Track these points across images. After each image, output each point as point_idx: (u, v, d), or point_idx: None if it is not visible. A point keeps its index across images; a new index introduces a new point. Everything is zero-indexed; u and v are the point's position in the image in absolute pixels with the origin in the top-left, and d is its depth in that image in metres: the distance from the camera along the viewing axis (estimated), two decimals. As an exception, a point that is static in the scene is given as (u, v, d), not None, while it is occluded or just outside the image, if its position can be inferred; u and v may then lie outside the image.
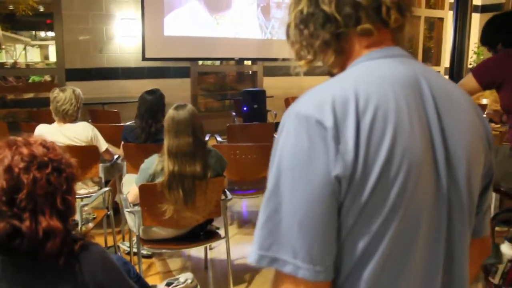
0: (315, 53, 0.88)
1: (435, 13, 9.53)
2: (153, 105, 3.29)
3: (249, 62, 7.77)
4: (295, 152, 0.73)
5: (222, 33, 6.97)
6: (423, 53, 9.48)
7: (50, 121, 3.53)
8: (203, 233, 2.71)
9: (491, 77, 2.21)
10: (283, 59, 1.08)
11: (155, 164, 2.42)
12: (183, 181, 2.37)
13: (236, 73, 8.60)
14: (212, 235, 2.73)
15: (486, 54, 8.06)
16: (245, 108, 6.06)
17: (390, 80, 0.79)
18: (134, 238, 2.90)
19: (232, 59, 7.35)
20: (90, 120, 4.73)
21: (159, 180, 2.40)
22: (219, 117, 7.08)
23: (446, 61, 9.01)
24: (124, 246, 3.31)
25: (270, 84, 7.53)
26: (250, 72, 8.06)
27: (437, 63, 9.73)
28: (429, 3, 9.51)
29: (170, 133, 2.39)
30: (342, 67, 0.88)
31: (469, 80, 2.27)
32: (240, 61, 7.41)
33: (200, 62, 7.58)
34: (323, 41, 0.84)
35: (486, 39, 2.40)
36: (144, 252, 3.02)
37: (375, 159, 0.73)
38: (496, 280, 2.32)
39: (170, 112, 2.44)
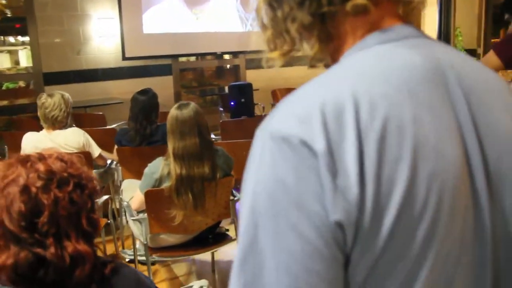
0: (292, 41, 0.64)
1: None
2: (146, 106, 3.14)
3: (230, 56, 7.63)
4: (275, 190, 0.51)
5: (202, 27, 6.81)
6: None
7: (32, 128, 3.35)
8: (212, 237, 2.59)
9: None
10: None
11: (161, 168, 2.29)
12: (192, 185, 2.25)
13: (217, 67, 8.45)
14: (222, 238, 2.62)
15: (466, 36, 8.09)
16: (232, 103, 5.93)
17: (402, 75, 0.56)
18: (138, 245, 2.77)
19: (214, 53, 7.19)
20: (74, 125, 4.55)
21: (166, 184, 2.27)
22: (204, 114, 6.93)
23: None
24: (125, 255, 3.17)
25: (253, 77, 7.41)
26: (231, 66, 7.92)
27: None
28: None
29: (174, 134, 2.26)
30: (334, 59, 0.65)
31: (490, 57, 2.20)
32: (219, 55, 7.25)
33: (183, 59, 7.41)
34: (302, 24, 0.61)
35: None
36: (145, 258, 2.88)
37: (390, 194, 0.50)
38: None
39: (173, 112, 2.31)
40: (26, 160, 1.09)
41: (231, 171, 2.49)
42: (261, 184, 0.52)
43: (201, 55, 7.40)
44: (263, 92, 6.93)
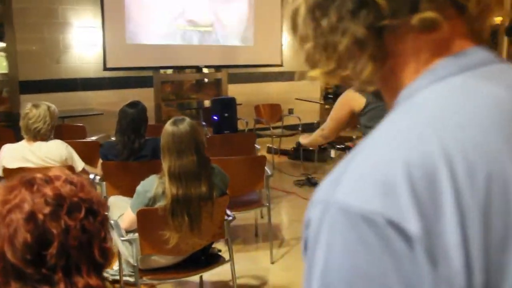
0: (339, 59, 0.51)
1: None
2: (135, 119, 3.02)
3: (212, 69, 7.55)
4: (355, 283, 0.40)
5: (185, 40, 6.72)
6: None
7: (7, 138, 3.18)
8: (205, 257, 2.48)
9: None
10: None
11: (155, 186, 2.17)
12: (188, 206, 2.14)
13: (196, 81, 8.34)
14: (215, 259, 2.50)
15: None
16: (215, 117, 5.83)
17: (494, 117, 0.44)
18: (124, 265, 2.63)
19: (197, 67, 7.09)
20: (52, 137, 4.36)
21: (160, 204, 2.15)
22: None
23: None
24: (108, 274, 3.02)
25: (235, 92, 7.35)
26: (212, 79, 7.83)
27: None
28: None
29: (171, 152, 2.15)
30: (386, 84, 0.53)
31: None
32: (200, 68, 7.14)
33: (169, 71, 7.28)
34: (355, 39, 0.48)
35: None
36: (130, 279, 2.74)
37: (501, 282, 0.39)
38: None
39: (168, 128, 2.20)
40: (30, 183, 0.97)
41: (226, 189, 2.40)
42: (335, 274, 0.41)
43: (183, 68, 7.30)
44: (246, 106, 6.87)
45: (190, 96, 8.37)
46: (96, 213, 0.99)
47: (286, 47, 8.04)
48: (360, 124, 2.24)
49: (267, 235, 3.99)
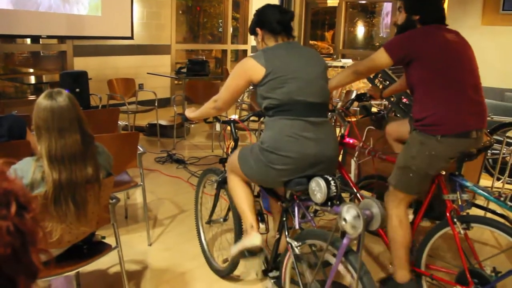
0: None
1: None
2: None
3: (57, 41, 6.80)
4: None
5: (23, 5, 5.91)
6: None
7: None
8: (87, 247, 2.24)
9: (404, 52, 2.27)
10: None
11: (31, 171, 1.85)
12: (73, 191, 1.88)
13: (32, 53, 7.41)
14: (100, 248, 2.27)
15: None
16: (64, 90, 5.28)
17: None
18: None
19: (38, 37, 6.31)
20: None
21: (39, 191, 1.85)
22: (27, 104, 6.06)
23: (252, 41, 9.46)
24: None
25: (82, 65, 6.75)
26: (55, 52, 7.07)
27: (244, 41, 10.14)
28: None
29: (50, 131, 1.85)
30: None
31: (380, 54, 2.30)
32: (35, 38, 6.31)
33: None
34: None
35: (415, 7, 2.37)
36: None
37: None
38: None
39: (44, 103, 1.88)
40: None
41: (111, 169, 2.17)
42: None
43: (19, 37, 6.42)
44: (97, 81, 6.37)
45: (23, 71, 7.42)
46: (26, 208, 0.78)
47: (136, 20, 7.63)
48: (256, 94, 2.19)
49: (136, 217, 3.80)
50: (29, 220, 0.78)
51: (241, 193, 2.39)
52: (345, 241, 1.83)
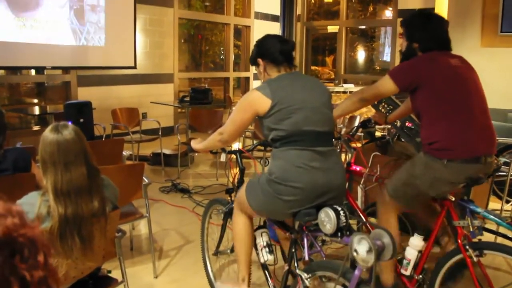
0: None
1: (242, 21, 9.97)
2: (-10, 128, 2.54)
3: (62, 71, 6.87)
4: None
5: (29, 37, 5.99)
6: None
7: None
8: (93, 281, 2.20)
9: (410, 80, 2.27)
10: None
11: (37, 206, 1.83)
12: (79, 226, 1.86)
13: (37, 84, 7.47)
14: (105, 282, 2.23)
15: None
16: (69, 123, 5.30)
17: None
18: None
19: (43, 68, 6.38)
20: None
21: (45, 226, 1.83)
22: (31, 135, 6.07)
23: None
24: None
25: (86, 95, 6.80)
26: (59, 82, 7.13)
27: (246, 69, 10.21)
28: (236, 11, 9.89)
29: (56, 165, 1.84)
30: None
31: (385, 81, 2.30)
32: (42, 69, 6.38)
33: (1, 72, 6.37)
34: None
35: (413, 36, 2.38)
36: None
37: None
38: (408, 271, 2.44)
39: (50, 137, 1.88)
40: None
41: (117, 201, 2.15)
42: None
43: (24, 69, 6.49)
44: (100, 111, 6.40)
45: (27, 101, 7.47)
46: (37, 249, 0.76)
47: (139, 49, 7.72)
48: (263, 126, 2.18)
49: (141, 248, 3.75)
50: (51, 265, 0.76)
51: (242, 240, 2.40)
52: (356, 272, 1.79)
